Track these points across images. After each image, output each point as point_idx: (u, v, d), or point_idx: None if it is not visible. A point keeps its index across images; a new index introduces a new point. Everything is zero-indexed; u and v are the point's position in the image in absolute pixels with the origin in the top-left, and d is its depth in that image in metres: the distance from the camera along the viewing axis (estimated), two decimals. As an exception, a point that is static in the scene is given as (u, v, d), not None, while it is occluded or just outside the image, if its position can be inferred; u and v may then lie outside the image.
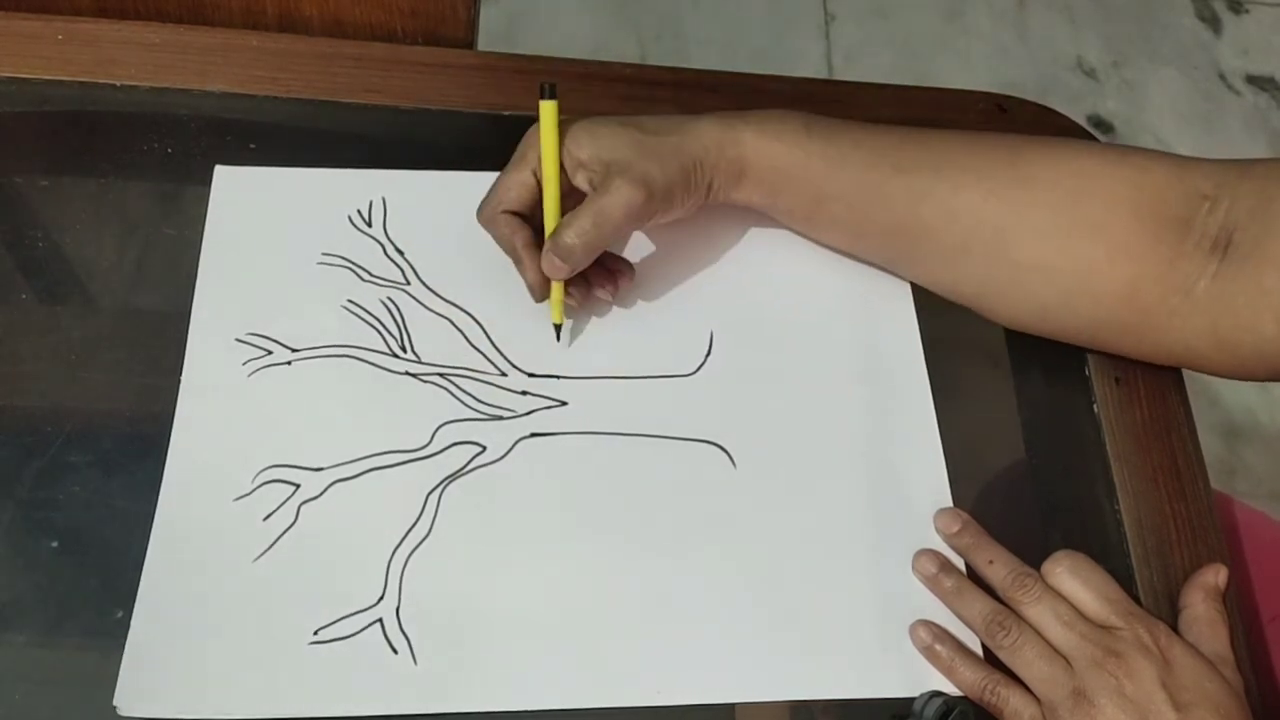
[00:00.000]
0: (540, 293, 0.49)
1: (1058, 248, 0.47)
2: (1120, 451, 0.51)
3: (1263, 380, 0.48)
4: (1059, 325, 0.50)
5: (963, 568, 0.47)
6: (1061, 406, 0.52)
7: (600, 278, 0.50)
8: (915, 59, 1.41)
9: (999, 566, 0.45)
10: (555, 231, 0.47)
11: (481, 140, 0.57)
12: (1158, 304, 0.46)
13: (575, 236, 0.46)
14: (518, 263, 0.49)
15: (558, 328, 0.50)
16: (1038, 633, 0.43)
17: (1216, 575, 0.46)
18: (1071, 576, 0.44)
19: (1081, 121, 0.61)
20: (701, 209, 0.50)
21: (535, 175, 0.48)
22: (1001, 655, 0.44)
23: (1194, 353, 0.47)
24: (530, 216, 0.49)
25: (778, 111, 0.50)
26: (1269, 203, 0.44)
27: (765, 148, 0.48)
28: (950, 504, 0.48)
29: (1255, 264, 0.44)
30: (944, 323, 0.53)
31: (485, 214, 0.49)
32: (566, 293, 0.49)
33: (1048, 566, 0.44)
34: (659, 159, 0.47)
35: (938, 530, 0.47)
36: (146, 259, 0.52)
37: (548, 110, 0.46)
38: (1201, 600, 0.45)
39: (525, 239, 0.48)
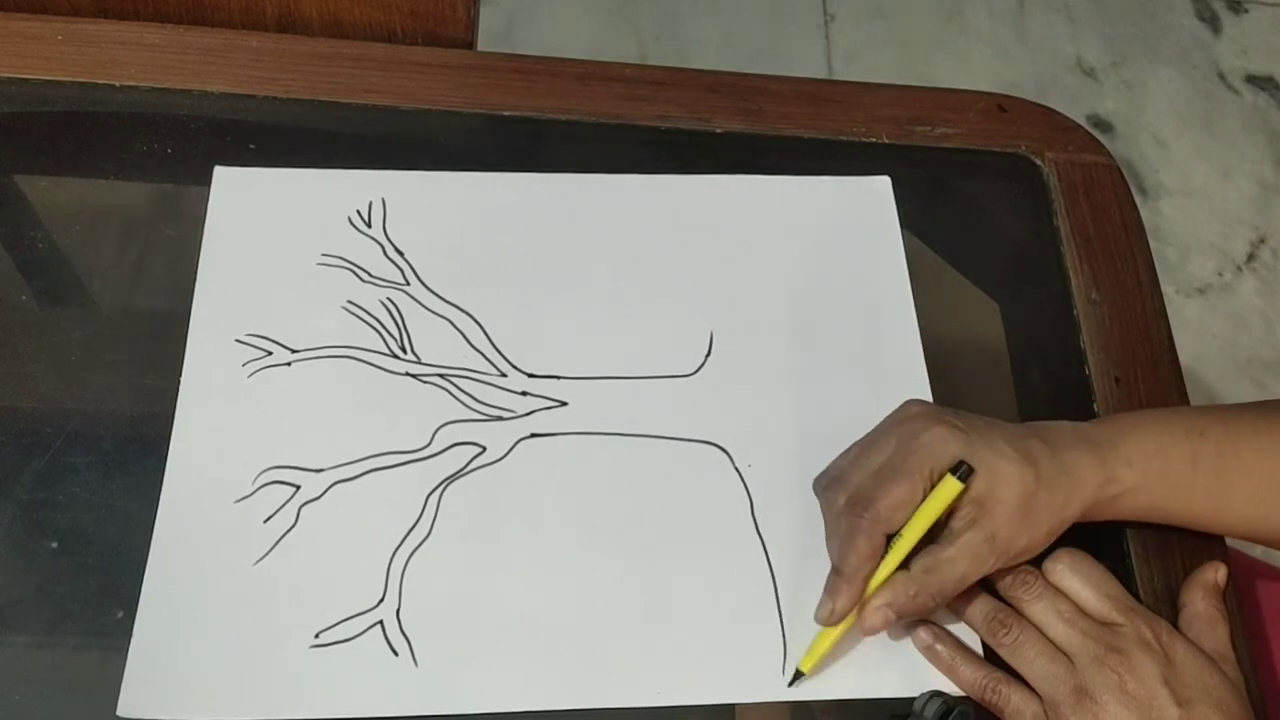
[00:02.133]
0: (835, 616, 0.43)
1: None
2: (1120, 451, 0.51)
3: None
4: None
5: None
6: (1061, 406, 0.52)
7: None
8: (915, 59, 1.41)
9: None
10: (897, 582, 0.42)
11: (481, 140, 0.57)
12: None
13: (926, 598, 0.42)
14: (845, 585, 0.43)
15: (799, 674, 0.43)
16: (1039, 631, 0.43)
17: (1216, 573, 0.46)
18: (1072, 574, 0.44)
19: (1081, 121, 0.61)
20: None
21: (921, 493, 0.42)
22: (1002, 653, 0.44)
23: None
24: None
25: (1156, 441, 0.45)
26: None
27: (1146, 488, 0.45)
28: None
29: None
30: (944, 323, 0.53)
31: (869, 522, 0.42)
32: None
33: (1048, 564, 0.44)
34: (1034, 523, 0.43)
35: None
36: (146, 259, 0.52)
37: (952, 490, 0.42)
38: (1201, 598, 0.45)
39: (873, 569, 0.43)
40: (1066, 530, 0.44)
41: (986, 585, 0.45)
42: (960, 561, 0.42)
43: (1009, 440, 0.43)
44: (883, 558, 0.43)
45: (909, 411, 0.45)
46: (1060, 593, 0.44)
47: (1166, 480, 0.45)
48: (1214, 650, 0.43)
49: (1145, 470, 0.45)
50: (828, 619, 0.43)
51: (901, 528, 0.43)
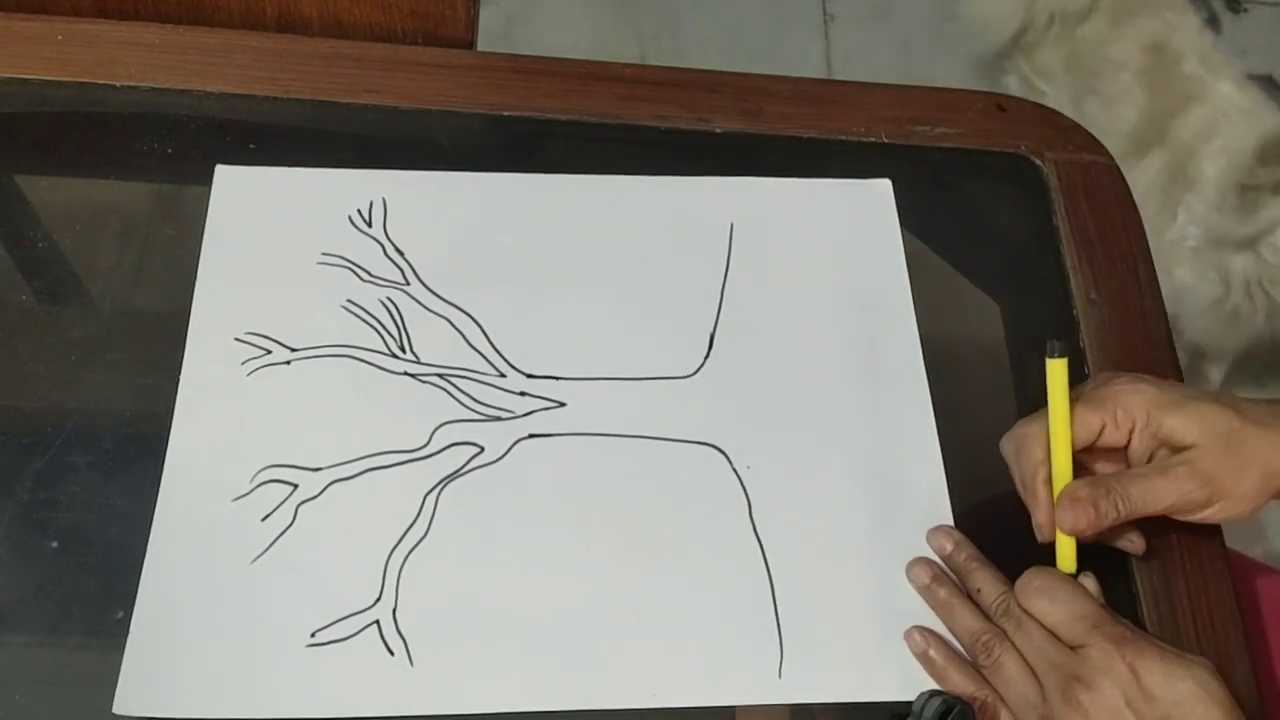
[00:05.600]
0: (1048, 533, 0.45)
1: None
2: (1119, 452, 0.51)
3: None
4: None
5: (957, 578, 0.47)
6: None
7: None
8: (915, 59, 1.41)
9: (986, 594, 0.45)
10: (1096, 483, 0.44)
11: (481, 140, 0.57)
12: None
13: (1119, 498, 0.43)
14: (1031, 496, 0.46)
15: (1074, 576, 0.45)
16: (1020, 655, 0.43)
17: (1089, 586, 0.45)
18: (1040, 597, 0.43)
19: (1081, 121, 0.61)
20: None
21: (1104, 428, 0.44)
22: (986, 674, 0.44)
23: None
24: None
25: None
26: None
27: None
28: (948, 507, 0.48)
29: None
30: (944, 323, 0.53)
31: (1024, 438, 0.46)
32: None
33: (1020, 588, 0.44)
34: (1243, 461, 0.43)
35: (931, 550, 0.47)
36: (146, 259, 0.52)
37: (1057, 371, 0.44)
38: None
39: (1047, 474, 0.45)
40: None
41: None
42: (1160, 483, 0.43)
43: (1202, 391, 0.44)
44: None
45: (1107, 375, 0.47)
46: (1035, 621, 0.43)
47: None
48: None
49: None
50: (1044, 537, 0.45)
51: (1077, 444, 0.44)
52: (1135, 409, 0.45)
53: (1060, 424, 0.45)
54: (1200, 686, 0.40)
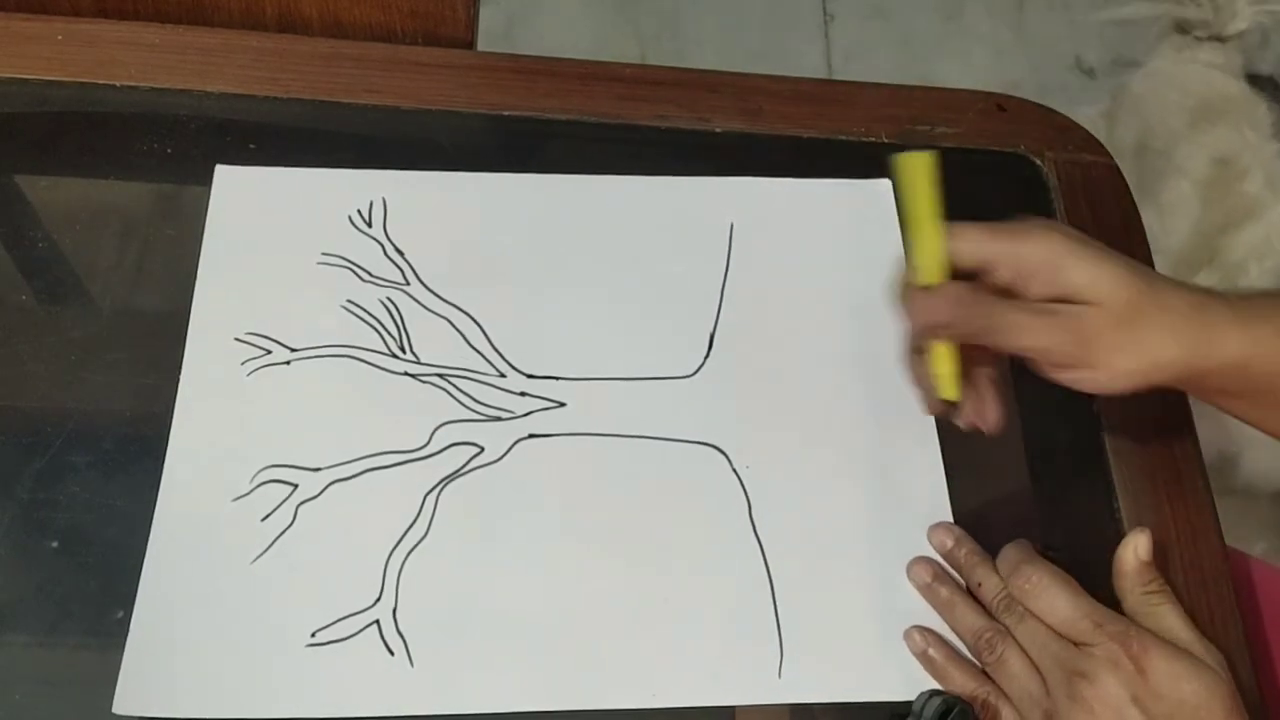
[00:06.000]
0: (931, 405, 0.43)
1: None
2: (1119, 451, 0.51)
3: None
4: None
5: (959, 576, 0.47)
6: (1061, 406, 0.52)
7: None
8: (914, 59, 1.41)
9: (987, 589, 0.45)
10: (967, 288, 0.41)
11: (481, 140, 0.57)
12: None
13: (994, 311, 0.40)
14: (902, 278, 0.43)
15: (951, 404, 0.43)
16: (1023, 651, 0.43)
17: (1136, 550, 0.43)
18: (1044, 592, 0.43)
19: (1080, 121, 0.61)
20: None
21: (996, 258, 0.41)
22: (988, 671, 0.44)
23: None
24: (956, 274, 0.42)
25: None
26: None
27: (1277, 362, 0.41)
28: (949, 507, 0.48)
29: None
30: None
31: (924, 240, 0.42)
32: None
33: (1017, 582, 0.43)
34: (1133, 344, 0.40)
35: (932, 546, 0.47)
36: (146, 259, 0.52)
37: (915, 165, 0.42)
38: (1131, 590, 0.43)
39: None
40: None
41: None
42: (1032, 322, 0.40)
43: (1122, 257, 0.41)
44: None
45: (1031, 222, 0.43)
46: (1036, 617, 0.43)
47: None
48: (1179, 640, 0.42)
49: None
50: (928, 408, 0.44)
51: (960, 259, 0.41)
52: (1044, 249, 0.41)
53: (922, 213, 0.41)
54: (1206, 689, 0.40)
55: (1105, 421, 0.52)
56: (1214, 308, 0.41)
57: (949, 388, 0.43)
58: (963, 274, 0.42)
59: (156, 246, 0.52)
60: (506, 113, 0.57)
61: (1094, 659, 0.41)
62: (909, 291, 0.42)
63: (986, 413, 0.45)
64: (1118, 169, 0.59)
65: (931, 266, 0.42)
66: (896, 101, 0.60)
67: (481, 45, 0.64)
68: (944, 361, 0.43)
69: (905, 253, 0.41)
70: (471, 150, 0.56)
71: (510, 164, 0.55)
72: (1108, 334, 0.40)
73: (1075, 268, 0.40)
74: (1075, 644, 0.42)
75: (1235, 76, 1.05)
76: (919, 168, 0.42)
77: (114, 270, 0.51)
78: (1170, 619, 0.43)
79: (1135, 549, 0.44)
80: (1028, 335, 0.41)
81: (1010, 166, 0.59)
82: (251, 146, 0.54)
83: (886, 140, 0.58)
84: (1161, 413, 0.52)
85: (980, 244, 0.42)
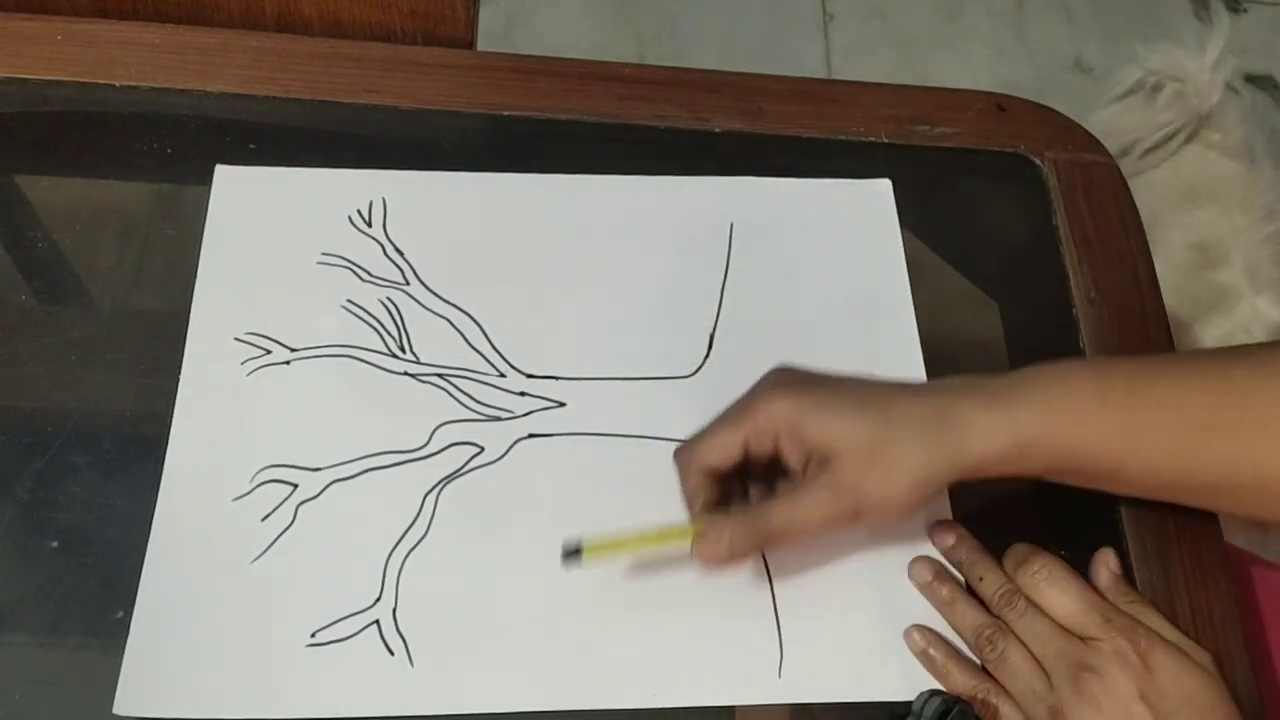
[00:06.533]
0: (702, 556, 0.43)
1: None
2: (1119, 451, 0.51)
3: None
4: None
5: (959, 575, 0.47)
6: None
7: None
8: (914, 59, 1.41)
9: (988, 583, 0.45)
10: (738, 517, 0.42)
11: (481, 140, 0.57)
12: None
13: (759, 526, 0.41)
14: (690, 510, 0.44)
15: (576, 557, 0.43)
16: (1025, 647, 0.43)
17: (1107, 566, 0.45)
18: (1049, 585, 0.43)
19: (1081, 120, 0.61)
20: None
21: (747, 442, 0.42)
22: (990, 668, 0.44)
23: None
24: (727, 473, 0.44)
25: (1062, 379, 0.42)
26: None
27: (1053, 433, 0.42)
28: (949, 507, 0.48)
29: None
30: (943, 322, 0.53)
31: (683, 457, 0.44)
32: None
33: (1021, 574, 0.44)
34: (889, 470, 0.41)
35: (933, 544, 0.47)
36: (146, 259, 0.52)
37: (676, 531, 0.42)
38: (1122, 600, 0.44)
39: (708, 502, 0.44)
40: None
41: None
42: (803, 502, 0.41)
43: (852, 392, 0.42)
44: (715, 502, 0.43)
45: (766, 376, 0.44)
46: (1040, 611, 0.43)
47: (1073, 417, 0.42)
48: (1172, 641, 0.42)
49: (1048, 406, 0.41)
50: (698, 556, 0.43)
51: (722, 465, 0.43)
52: (776, 419, 0.42)
53: (651, 540, 0.43)
54: (1210, 689, 0.40)
55: (1105, 421, 0.52)
56: (962, 406, 0.42)
57: (597, 553, 0.44)
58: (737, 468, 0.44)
59: (156, 246, 0.52)
60: (506, 113, 0.57)
61: (1101, 653, 0.41)
62: (694, 541, 0.43)
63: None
64: (1117, 169, 0.59)
65: (685, 537, 0.43)
66: (896, 101, 0.60)
67: (481, 45, 0.64)
68: (630, 548, 0.44)
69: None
70: (471, 150, 0.56)
71: (510, 164, 0.55)
72: (861, 475, 0.41)
73: (808, 427, 0.42)
74: (1080, 639, 0.42)
75: (1232, 156, 1.01)
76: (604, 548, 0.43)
77: (113, 270, 0.51)
78: (1156, 624, 0.43)
79: (1106, 564, 0.45)
80: (801, 521, 0.42)
81: (1010, 166, 0.59)
82: (251, 146, 0.54)
83: (886, 140, 0.58)
84: (1161, 412, 0.52)
85: (731, 447, 0.43)
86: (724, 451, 0.43)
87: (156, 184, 0.54)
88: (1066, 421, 0.42)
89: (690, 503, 0.44)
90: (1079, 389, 0.42)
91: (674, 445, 0.48)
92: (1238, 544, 0.57)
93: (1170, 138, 1.01)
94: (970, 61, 1.42)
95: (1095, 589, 0.43)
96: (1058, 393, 0.42)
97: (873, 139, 0.58)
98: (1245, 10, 1.50)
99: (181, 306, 0.50)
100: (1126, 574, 0.48)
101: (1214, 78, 0.98)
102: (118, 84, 0.55)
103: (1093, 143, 0.60)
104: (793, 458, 0.43)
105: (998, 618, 0.44)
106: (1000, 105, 0.60)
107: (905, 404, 0.42)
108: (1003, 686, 0.43)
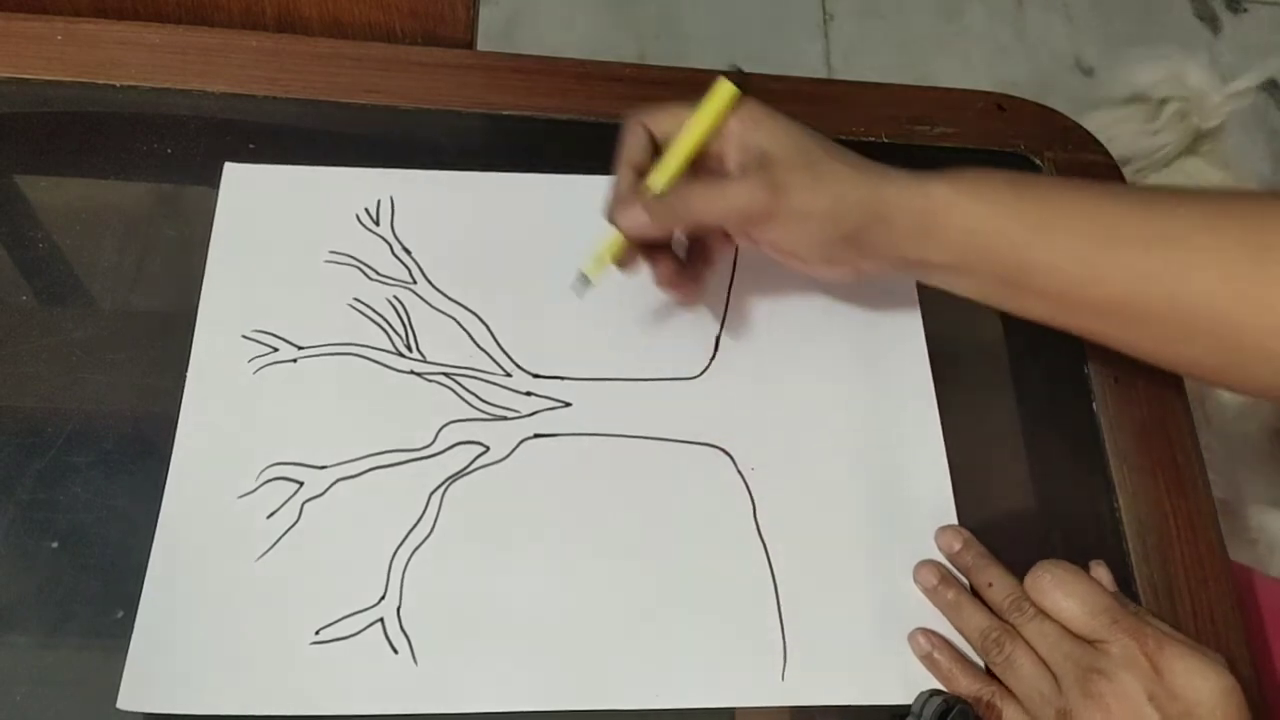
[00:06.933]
0: (612, 213, 0.46)
1: None
2: (1119, 449, 0.51)
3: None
4: None
5: (964, 579, 0.47)
6: (1061, 405, 0.53)
7: (664, 257, 0.47)
8: (914, 58, 1.41)
9: (997, 589, 0.45)
10: (662, 182, 0.44)
11: (481, 140, 0.57)
12: None
13: (676, 198, 0.43)
14: (615, 177, 0.46)
15: (585, 279, 0.47)
16: (1033, 650, 0.43)
17: (1101, 580, 0.45)
18: (1055, 589, 0.43)
19: (1080, 120, 0.61)
20: (858, 273, 0.45)
21: (661, 131, 0.45)
22: (996, 671, 0.44)
23: None
24: (661, 153, 0.46)
25: (982, 170, 0.44)
26: None
27: (960, 204, 0.43)
28: (954, 511, 0.48)
29: None
30: (944, 322, 0.53)
31: (632, 118, 0.46)
32: (627, 255, 0.46)
33: (1030, 581, 0.44)
34: (817, 180, 0.43)
35: (939, 548, 0.47)
36: (146, 260, 0.52)
37: (725, 92, 0.44)
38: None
39: (635, 159, 0.45)
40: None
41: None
42: (730, 184, 0.43)
43: (804, 126, 0.45)
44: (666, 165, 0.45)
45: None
46: (1047, 616, 0.43)
47: (983, 196, 0.43)
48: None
49: (960, 182, 0.43)
50: (606, 214, 0.46)
51: (665, 136, 0.45)
52: (732, 125, 0.45)
53: (687, 141, 0.45)
54: (1221, 690, 0.40)
55: (1105, 421, 0.52)
56: (890, 170, 0.44)
57: (595, 267, 0.47)
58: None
59: (156, 247, 0.52)
60: (506, 112, 0.57)
61: (1110, 656, 0.41)
62: (637, 195, 0.45)
63: (687, 286, 0.48)
64: (1117, 168, 0.60)
65: (667, 178, 0.45)
66: (896, 101, 0.60)
67: (481, 45, 0.64)
68: (611, 247, 0.46)
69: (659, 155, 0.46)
70: (471, 150, 0.56)
71: (510, 164, 0.55)
72: (793, 176, 0.43)
73: (759, 127, 0.44)
74: (1088, 642, 0.42)
75: (1229, 166, 1.00)
76: (726, 97, 0.45)
77: (114, 270, 0.51)
78: (1155, 624, 0.43)
79: (1100, 579, 0.45)
80: (719, 205, 0.44)
81: (1010, 166, 0.59)
82: (251, 146, 0.54)
83: (886, 140, 0.58)
84: (1161, 412, 0.52)
85: (672, 115, 0.45)
86: (672, 119, 0.45)
87: (156, 184, 0.54)
88: (976, 197, 0.43)
89: (623, 151, 0.46)
90: (993, 177, 0.44)
91: (680, 446, 0.49)
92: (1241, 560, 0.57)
93: (1168, 162, 1.00)
94: (970, 61, 1.42)
95: (1103, 592, 0.43)
96: (968, 176, 0.44)
97: (872, 139, 0.58)
98: (1245, 10, 1.50)
99: (182, 306, 0.50)
100: (1126, 574, 0.48)
101: (1223, 98, 0.98)
102: (118, 84, 0.55)
103: (1093, 142, 0.60)
104: (732, 158, 0.45)
105: (1004, 622, 0.44)
106: (1000, 105, 0.60)
107: (843, 150, 0.45)
108: (1008, 690, 0.43)
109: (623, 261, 0.47)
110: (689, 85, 0.58)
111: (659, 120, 0.46)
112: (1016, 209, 0.43)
